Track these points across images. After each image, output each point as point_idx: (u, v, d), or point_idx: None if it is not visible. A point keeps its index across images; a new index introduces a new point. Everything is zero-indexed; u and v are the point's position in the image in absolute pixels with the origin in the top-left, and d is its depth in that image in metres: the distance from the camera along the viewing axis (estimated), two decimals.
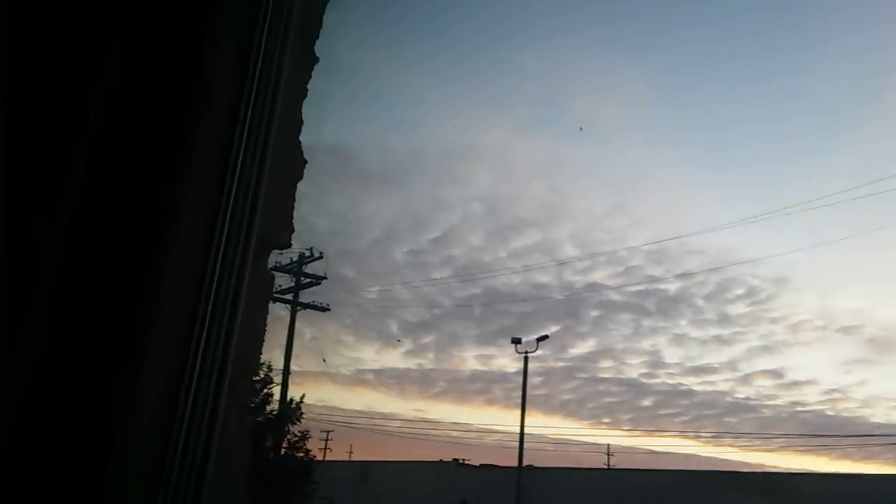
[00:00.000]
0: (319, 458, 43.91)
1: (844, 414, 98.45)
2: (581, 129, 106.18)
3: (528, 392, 26.59)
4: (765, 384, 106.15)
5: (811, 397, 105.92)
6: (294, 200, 1.94)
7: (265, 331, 1.84)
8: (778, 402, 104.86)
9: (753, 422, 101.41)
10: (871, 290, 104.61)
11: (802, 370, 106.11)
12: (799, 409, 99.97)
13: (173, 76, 1.57)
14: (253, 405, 27.52)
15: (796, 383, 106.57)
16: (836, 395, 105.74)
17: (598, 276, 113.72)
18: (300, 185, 1.99)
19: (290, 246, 1.96)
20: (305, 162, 1.97)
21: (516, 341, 27.10)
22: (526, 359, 26.65)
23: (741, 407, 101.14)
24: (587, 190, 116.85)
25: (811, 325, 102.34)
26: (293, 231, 1.94)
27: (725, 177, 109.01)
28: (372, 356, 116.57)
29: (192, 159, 1.51)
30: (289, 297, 31.18)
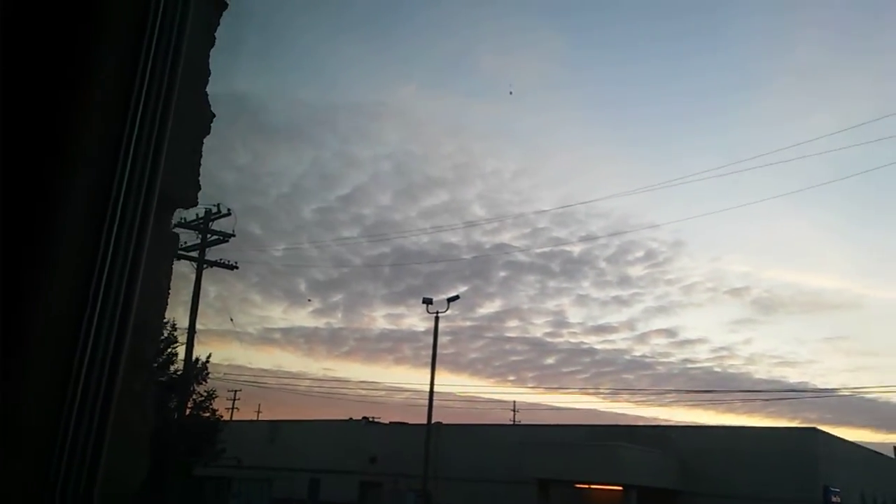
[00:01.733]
0: (227, 418, 43.40)
1: (731, 370, 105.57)
2: (511, 92, 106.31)
3: (437, 351, 27.00)
4: (659, 342, 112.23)
5: (701, 355, 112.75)
6: (200, 156, 1.85)
7: (169, 290, 1.76)
8: (671, 359, 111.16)
9: (649, 378, 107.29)
10: (757, 256, 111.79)
11: (694, 329, 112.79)
12: (690, 366, 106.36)
13: (65, 19, 1.46)
14: (156, 365, 26.74)
15: (688, 341, 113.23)
16: (724, 353, 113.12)
17: (506, 237, 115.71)
18: (206, 139, 1.90)
19: (196, 204, 1.89)
20: (213, 116, 1.88)
21: (427, 301, 27.35)
22: (437, 319, 27.00)
23: (638, 364, 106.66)
24: (496, 150, 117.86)
25: (703, 287, 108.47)
26: (199, 189, 1.85)
27: (630, 144, 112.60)
28: (280, 315, 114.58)
29: (86, 112, 1.42)
30: (194, 254, 30.17)
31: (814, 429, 34.61)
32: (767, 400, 66.87)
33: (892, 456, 48.79)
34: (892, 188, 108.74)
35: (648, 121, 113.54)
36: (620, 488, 32.14)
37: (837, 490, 31.88)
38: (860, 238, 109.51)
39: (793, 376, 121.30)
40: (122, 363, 1.35)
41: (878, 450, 46.45)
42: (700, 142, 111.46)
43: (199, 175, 1.84)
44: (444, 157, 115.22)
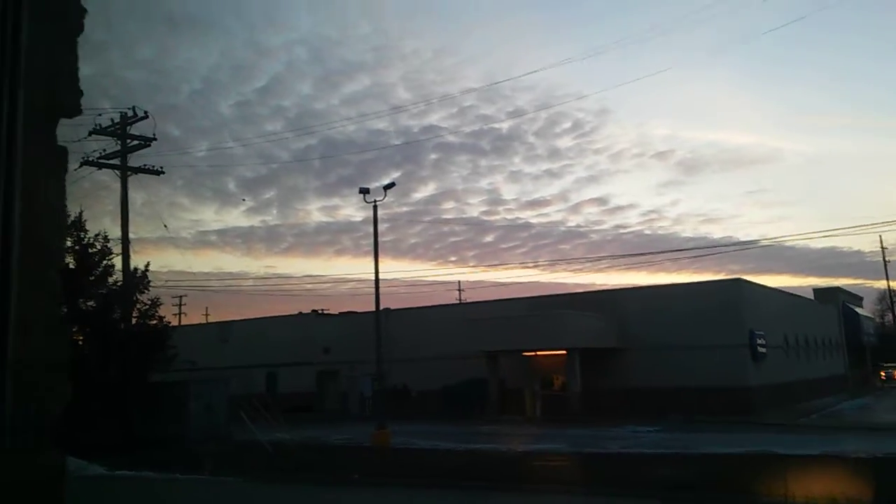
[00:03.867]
0: (175, 323, 43.22)
1: (660, 232, 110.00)
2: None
3: (378, 239, 27.07)
4: (592, 211, 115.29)
5: (632, 220, 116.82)
6: (76, 57, 1.67)
7: (65, 206, 1.65)
8: (604, 226, 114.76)
9: (584, 247, 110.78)
10: (679, 119, 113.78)
11: (624, 195, 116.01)
12: (622, 231, 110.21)
13: None
14: (93, 277, 26.11)
15: (619, 208, 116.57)
16: (653, 216, 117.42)
17: (433, 118, 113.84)
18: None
19: (80, 112, 1.73)
20: (84, 11, 1.69)
21: (364, 191, 27.07)
22: (375, 208, 26.85)
23: (573, 234, 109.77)
24: (414, 30, 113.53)
25: (630, 154, 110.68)
26: (81, 94, 1.69)
27: (550, 12, 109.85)
28: (212, 217, 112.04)
29: None
30: (116, 162, 28.82)
31: (738, 279, 36.76)
32: (695, 257, 70.27)
33: (811, 297, 52.65)
34: (800, 44, 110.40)
35: None
36: (564, 352, 33.95)
37: (762, 333, 34.42)
38: (773, 94, 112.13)
39: (717, 232, 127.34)
40: (14, 286, 1.27)
41: (797, 293, 49.99)
42: (618, 6, 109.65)
43: (78, 79, 1.68)
44: (361, 40, 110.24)
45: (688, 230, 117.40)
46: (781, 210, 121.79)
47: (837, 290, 57.20)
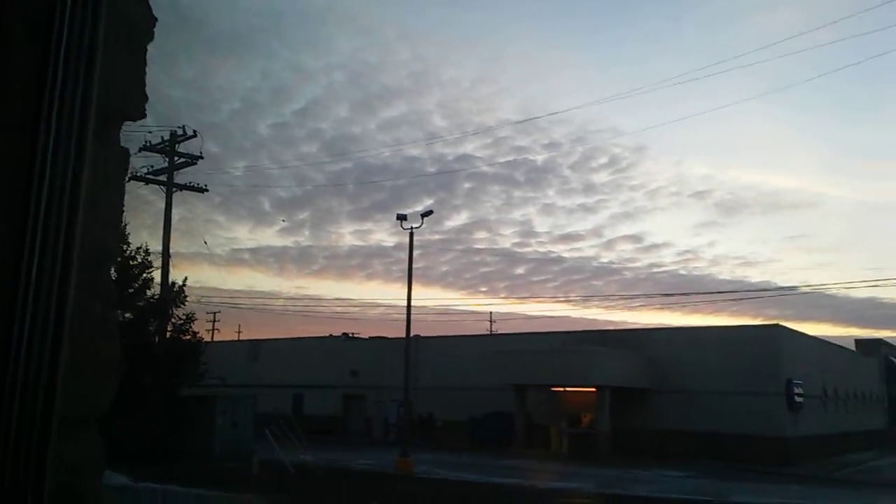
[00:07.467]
0: (208, 339, 43.74)
1: (696, 273, 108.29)
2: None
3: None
4: (626, 248, 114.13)
5: (667, 259, 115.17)
6: (145, 63, 1.71)
7: (123, 211, 1.67)
8: (638, 264, 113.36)
9: (617, 283, 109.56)
10: (719, 158, 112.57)
11: (659, 234, 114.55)
12: (656, 270, 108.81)
13: None
14: (132, 290, 26.60)
15: (654, 246, 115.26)
16: (689, 256, 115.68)
17: (468, 147, 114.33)
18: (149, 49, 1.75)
19: (144, 116, 1.76)
20: (155, 19, 1.73)
21: (401, 217, 27.23)
22: (411, 234, 26.97)
23: (606, 270, 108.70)
24: (453, 57, 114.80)
25: (667, 192, 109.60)
26: (146, 99, 1.73)
27: (588, 49, 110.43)
28: (246, 235, 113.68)
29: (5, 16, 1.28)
30: (163, 178, 29.52)
31: (777, 325, 35.90)
32: (732, 300, 68.99)
33: (852, 349, 51.15)
34: (843, 89, 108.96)
35: (606, 27, 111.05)
36: (594, 390, 33.40)
37: (800, 382, 33.47)
38: (816, 137, 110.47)
39: (755, 276, 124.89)
40: (71, 287, 1.28)
41: (838, 343, 48.61)
42: (659, 47, 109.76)
43: (144, 84, 1.71)
44: (400, 66, 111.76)
45: (725, 272, 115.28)
46: (823, 256, 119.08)
47: (880, 342, 55.50)
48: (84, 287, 1.42)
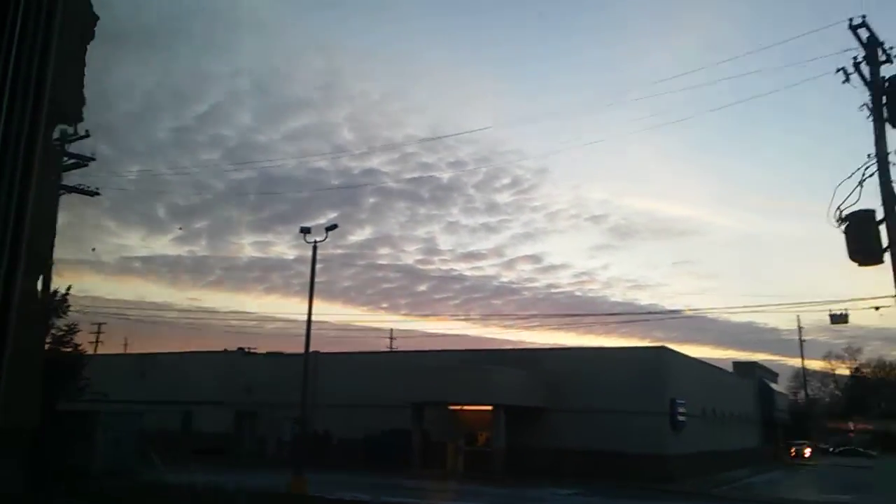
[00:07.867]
0: (91, 352, 41.04)
1: (590, 294, 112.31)
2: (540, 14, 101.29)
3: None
4: (525, 268, 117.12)
5: (564, 280, 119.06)
6: (84, 64, 1.63)
7: (57, 215, 1.57)
8: (536, 284, 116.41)
9: (516, 303, 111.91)
10: (616, 185, 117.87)
11: (558, 255, 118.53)
12: (553, 290, 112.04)
13: None
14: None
15: (552, 267, 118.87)
16: (584, 278, 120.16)
17: (375, 162, 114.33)
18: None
19: (81, 119, 1.67)
20: (97, 18, 1.65)
21: (305, 230, 26.76)
22: (314, 248, 26.54)
23: (505, 290, 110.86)
24: (365, 71, 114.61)
25: (566, 214, 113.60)
26: (84, 102, 1.64)
27: (497, 71, 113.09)
28: (139, 243, 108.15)
29: None
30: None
31: (662, 347, 37.67)
32: (622, 322, 71.93)
33: (731, 370, 54.42)
34: (734, 123, 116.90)
35: (514, 55, 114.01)
36: (491, 408, 33.85)
37: (683, 402, 35.25)
38: (707, 170, 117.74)
39: (644, 298, 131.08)
40: (15, 298, 1.21)
41: (718, 364, 51.61)
42: (565, 77, 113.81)
43: (83, 86, 1.62)
44: (309, 76, 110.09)
45: (617, 294, 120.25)
46: (707, 283, 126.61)
47: (755, 364, 59.33)
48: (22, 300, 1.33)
